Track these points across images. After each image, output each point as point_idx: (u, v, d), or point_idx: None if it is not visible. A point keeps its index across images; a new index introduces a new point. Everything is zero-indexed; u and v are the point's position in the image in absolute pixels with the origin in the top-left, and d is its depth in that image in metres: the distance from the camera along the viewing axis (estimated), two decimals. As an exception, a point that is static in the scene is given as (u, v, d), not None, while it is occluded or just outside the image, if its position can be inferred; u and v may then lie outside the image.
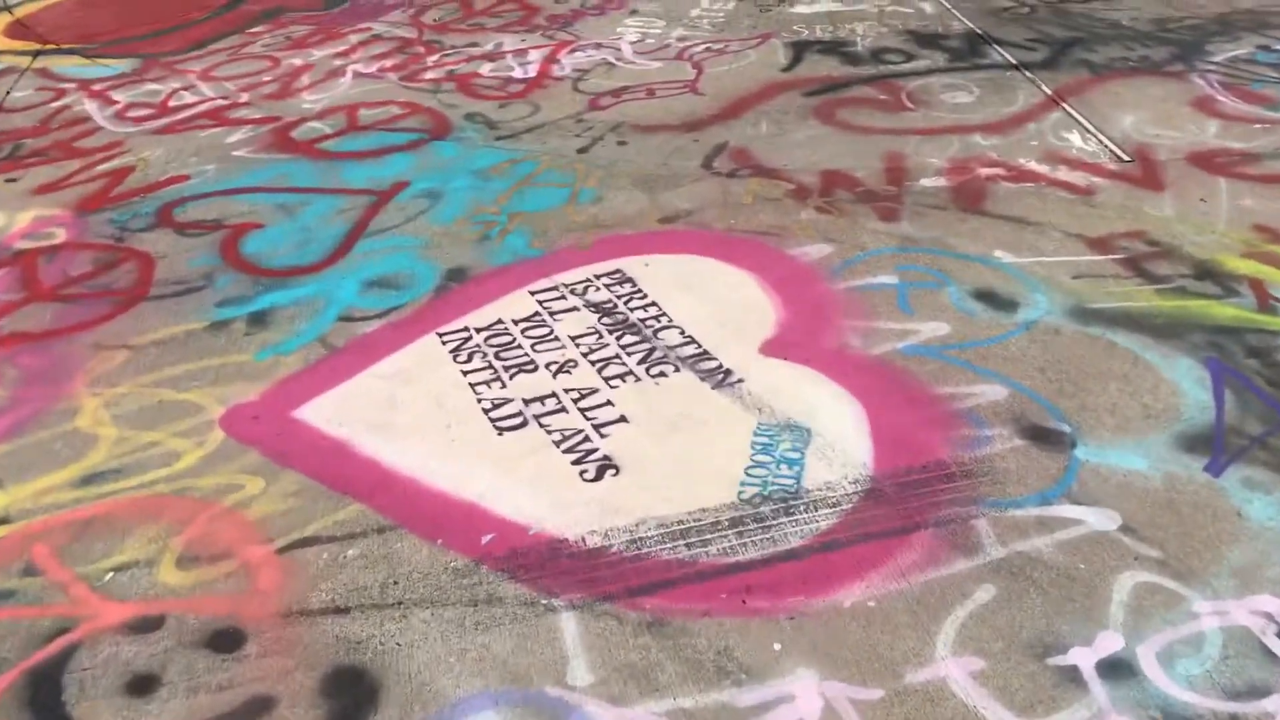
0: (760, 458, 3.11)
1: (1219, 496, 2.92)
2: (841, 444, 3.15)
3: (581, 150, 5.20)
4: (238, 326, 3.83)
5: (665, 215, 4.54)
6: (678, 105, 5.69)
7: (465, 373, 3.54)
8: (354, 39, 6.94)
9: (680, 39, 6.69)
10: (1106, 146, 4.99)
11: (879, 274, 4.01)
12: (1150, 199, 4.52)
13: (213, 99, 6.03)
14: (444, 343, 3.70)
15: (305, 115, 5.73)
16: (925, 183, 4.71)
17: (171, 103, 6.01)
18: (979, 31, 6.57)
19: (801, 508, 2.92)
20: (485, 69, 6.33)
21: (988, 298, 3.83)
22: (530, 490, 3.02)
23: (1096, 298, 3.81)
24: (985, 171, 4.79)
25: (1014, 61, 6.06)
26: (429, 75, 6.26)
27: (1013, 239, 4.22)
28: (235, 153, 5.31)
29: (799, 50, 6.39)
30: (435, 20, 7.27)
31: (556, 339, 3.70)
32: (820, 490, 2.97)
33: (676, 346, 3.63)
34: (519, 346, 3.66)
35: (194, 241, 4.45)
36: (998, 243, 4.20)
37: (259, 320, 3.87)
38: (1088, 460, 3.05)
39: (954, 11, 6.97)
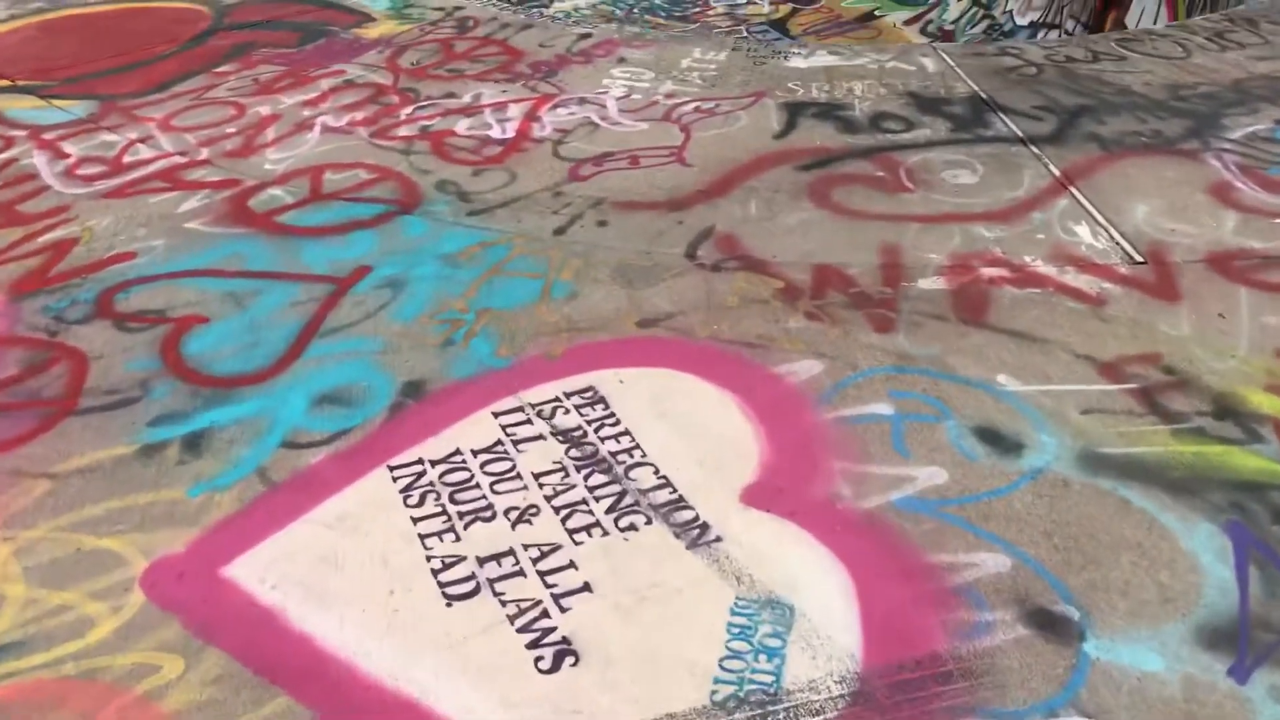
0: (737, 644, 2.82)
1: (1244, 709, 2.64)
2: (828, 628, 2.86)
3: (558, 231, 4.90)
4: (171, 453, 3.53)
5: (644, 317, 4.25)
6: (663, 178, 5.39)
7: (416, 519, 3.24)
8: (325, 84, 6.62)
9: (669, 95, 6.38)
10: (1118, 244, 4.70)
11: (872, 402, 3.72)
12: (1165, 312, 4.24)
13: (170, 154, 5.71)
14: (395, 479, 3.40)
15: (266, 179, 5.41)
16: (924, 284, 4.42)
17: (126, 158, 5.69)
18: (983, 96, 6.28)
19: (781, 715, 2.62)
20: (461, 126, 6.02)
21: (990, 437, 3.54)
22: (478, 682, 2.72)
23: (1108, 439, 3.53)
24: (988, 273, 4.50)
25: (1020, 134, 5.77)
26: (401, 131, 5.95)
27: (1018, 360, 3.93)
28: (188, 224, 4.99)
29: (793, 113, 6.09)
30: (413, 64, 6.95)
31: (518, 476, 3.40)
32: (802, 692, 2.68)
33: (650, 490, 3.33)
34: (476, 486, 3.36)
35: (134, 338, 4.14)
36: (1001, 364, 3.91)
37: (195, 445, 3.56)
38: (1098, 658, 2.76)
39: (958, 70, 6.68)
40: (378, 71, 6.86)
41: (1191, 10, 11.76)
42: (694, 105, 6.24)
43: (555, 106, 6.26)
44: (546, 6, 17.90)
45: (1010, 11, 16.37)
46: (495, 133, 5.94)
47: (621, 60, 6.94)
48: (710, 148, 5.72)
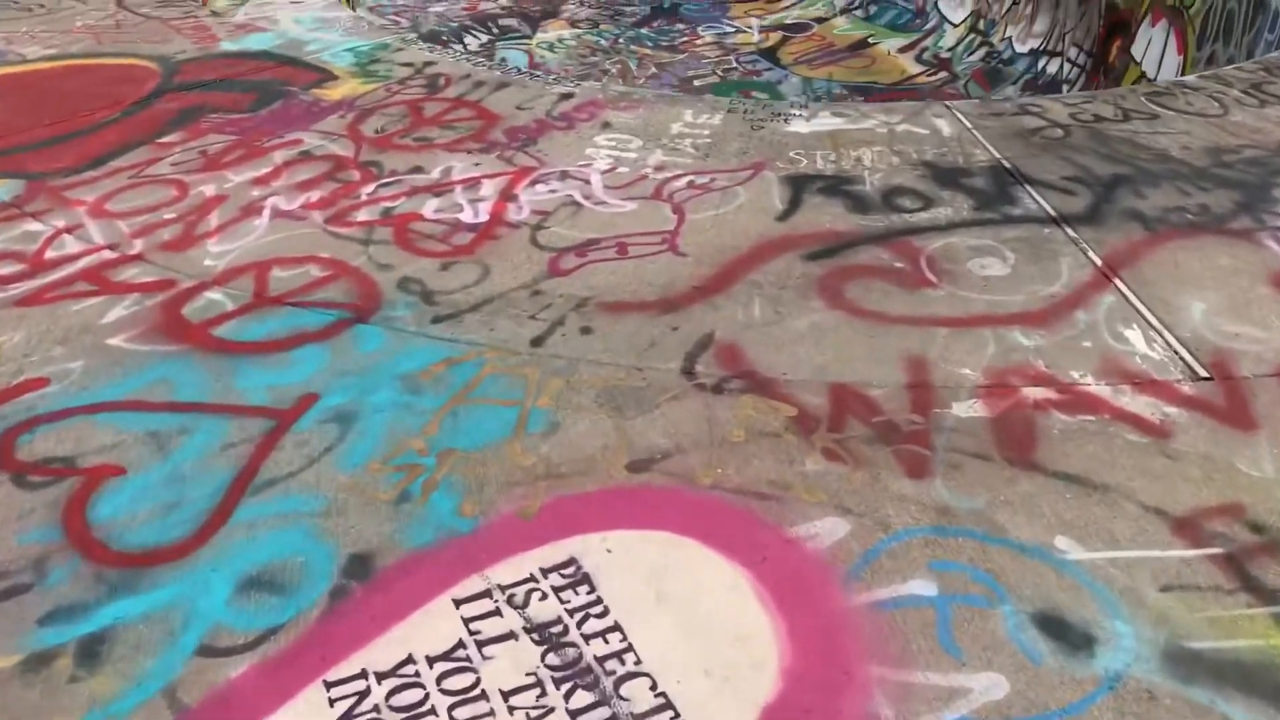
0: None
1: None
2: None
3: (536, 341, 4.31)
4: (62, 665, 2.92)
5: (636, 458, 3.66)
6: (655, 271, 4.81)
7: (357, 763, 2.63)
8: (279, 157, 6.03)
9: (659, 167, 5.80)
10: (1177, 354, 4.12)
11: (911, 577, 3.13)
12: (1241, 445, 3.66)
13: (99, 248, 5.11)
14: (332, 700, 2.80)
15: (205, 277, 4.82)
16: (959, 410, 3.84)
17: (49, 252, 5.10)
18: (1007, 165, 5.71)
19: None
20: (429, 207, 5.44)
21: (1055, 628, 2.95)
22: None
23: (1196, 629, 2.94)
24: (1032, 394, 3.92)
25: (1051, 212, 5.20)
26: (361, 215, 5.37)
27: (1077, 515, 3.35)
28: (112, 339, 4.40)
29: (797, 189, 5.52)
30: (377, 131, 6.37)
31: (484, 696, 2.80)
32: None
33: (646, 716, 2.72)
34: (432, 713, 2.75)
35: (33, 498, 3.54)
36: (1059, 521, 3.33)
37: (93, 652, 2.95)
38: None
39: (975, 134, 6.11)
40: (338, 141, 6.27)
41: (1202, 42, 11.29)
42: (687, 180, 5.66)
43: (534, 183, 5.68)
44: (529, 38, 17.41)
45: (1009, 39, 15.89)
46: (466, 215, 5.35)
47: (606, 125, 6.36)
48: (706, 233, 5.14)
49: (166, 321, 4.51)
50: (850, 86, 15.42)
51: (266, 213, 5.43)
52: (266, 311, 4.58)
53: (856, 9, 18.19)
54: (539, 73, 7.08)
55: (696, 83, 15.42)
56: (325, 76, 7.23)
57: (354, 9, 10.85)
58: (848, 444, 3.70)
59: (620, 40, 17.24)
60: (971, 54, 16.00)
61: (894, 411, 3.87)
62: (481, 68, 7.34)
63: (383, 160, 6.01)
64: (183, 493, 3.55)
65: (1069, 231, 5.05)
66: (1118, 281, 4.64)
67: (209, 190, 5.69)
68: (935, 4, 17.16)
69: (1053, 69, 14.70)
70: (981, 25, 16.22)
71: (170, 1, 9.08)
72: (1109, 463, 3.59)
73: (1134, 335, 4.27)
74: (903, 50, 16.55)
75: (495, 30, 17.41)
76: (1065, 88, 14.23)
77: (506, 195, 5.55)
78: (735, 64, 16.24)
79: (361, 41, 7.87)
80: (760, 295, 4.62)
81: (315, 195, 5.60)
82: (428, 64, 7.42)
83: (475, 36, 17.75)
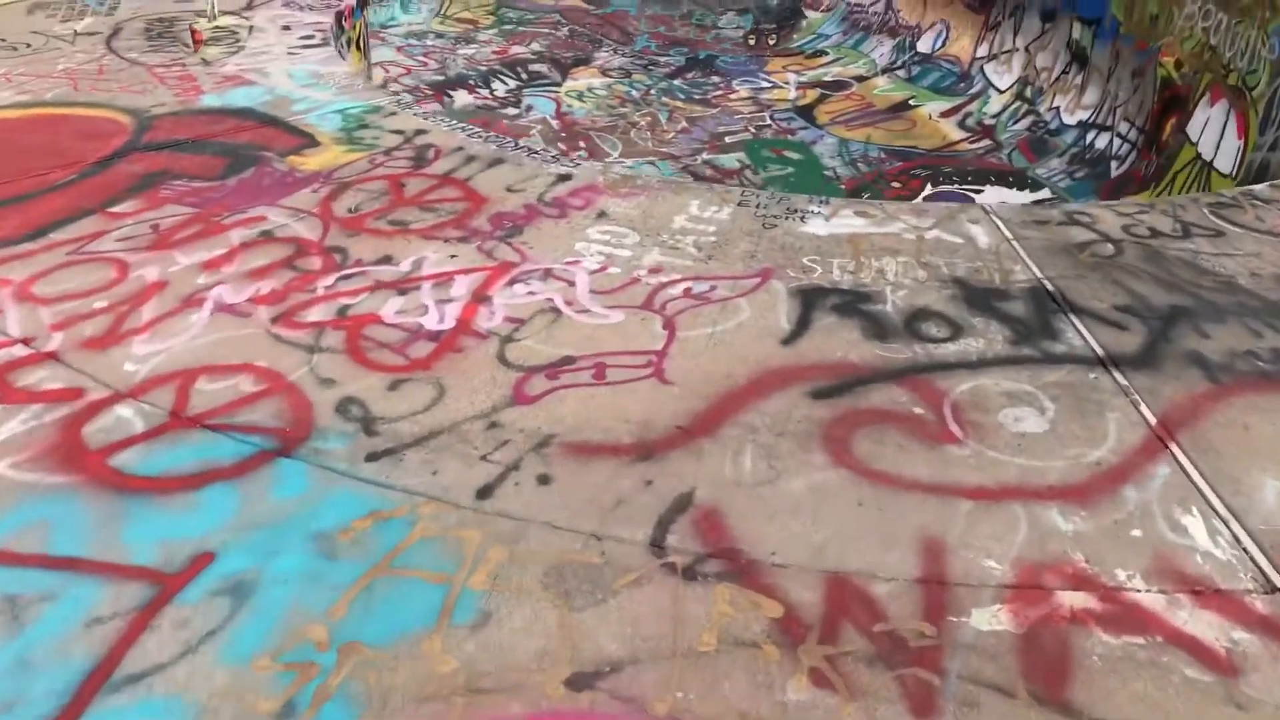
0: None
1: None
2: None
3: (483, 492, 3.70)
4: None
5: (579, 669, 3.02)
6: (634, 402, 4.18)
7: None
8: (236, 237, 5.47)
9: (654, 269, 5.19)
10: (1247, 554, 3.43)
11: None
12: (1330, 694, 2.95)
13: (12, 342, 4.53)
14: None
15: (120, 387, 4.22)
16: (979, 619, 3.18)
17: (-45, 344, 4.52)
18: (1049, 288, 5.04)
19: None
20: (390, 308, 4.85)
21: None
22: None
23: None
24: (1069, 601, 3.26)
25: (1099, 351, 4.53)
26: (313, 314, 4.79)
27: (1121, 791, 2.66)
28: (-6, 463, 3.79)
29: (807, 304, 4.88)
30: (350, 210, 5.80)
31: None
32: None
33: None
34: None
35: None
36: (1097, 798, 2.63)
37: None
38: None
39: (1015, 246, 5.46)
40: (305, 220, 5.70)
41: (1265, 126, 10.62)
42: (684, 286, 5.04)
43: (512, 281, 5.08)
44: (558, 85, 16.97)
45: (1057, 109, 15.27)
46: (430, 320, 4.75)
47: (602, 214, 5.76)
48: (699, 356, 4.50)
49: (62, 445, 3.92)
50: (889, 150, 14.84)
51: (208, 306, 4.86)
52: (180, 436, 3.98)
53: (898, 69, 17.64)
54: (538, 150, 6.51)
55: (728, 139, 14.93)
56: (307, 141, 6.69)
57: (366, 59, 10.36)
58: (842, 664, 3.03)
59: (652, 91, 16.77)
60: (1017, 122, 15.39)
61: (901, 618, 3.20)
62: (476, 139, 6.77)
63: (349, 246, 5.42)
64: (22, 688, 2.93)
65: (1119, 377, 4.37)
66: (1175, 448, 3.96)
67: (151, 274, 5.13)
68: (981, 68, 16.57)
69: (1101, 143, 14.05)
70: (1028, 93, 15.62)
71: (161, 46, 8.61)
72: (1162, 707, 2.90)
73: (1194, 525, 3.59)
74: (945, 115, 15.97)
75: (524, 76, 16.99)
76: (1114, 164, 13.58)
77: (479, 296, 4.95)
78: (769, 121, 15.71)
79: (353, 102, 7.33)
80: (754, 442, 3.97)
81: (266, 286, 5.02)
82: (419, 132, 6.87)
83: (503, 81, 17.30)
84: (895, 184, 13.99)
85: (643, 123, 15.66)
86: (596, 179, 6.21)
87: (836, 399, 4.25)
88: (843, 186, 13.82)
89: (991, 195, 13.24)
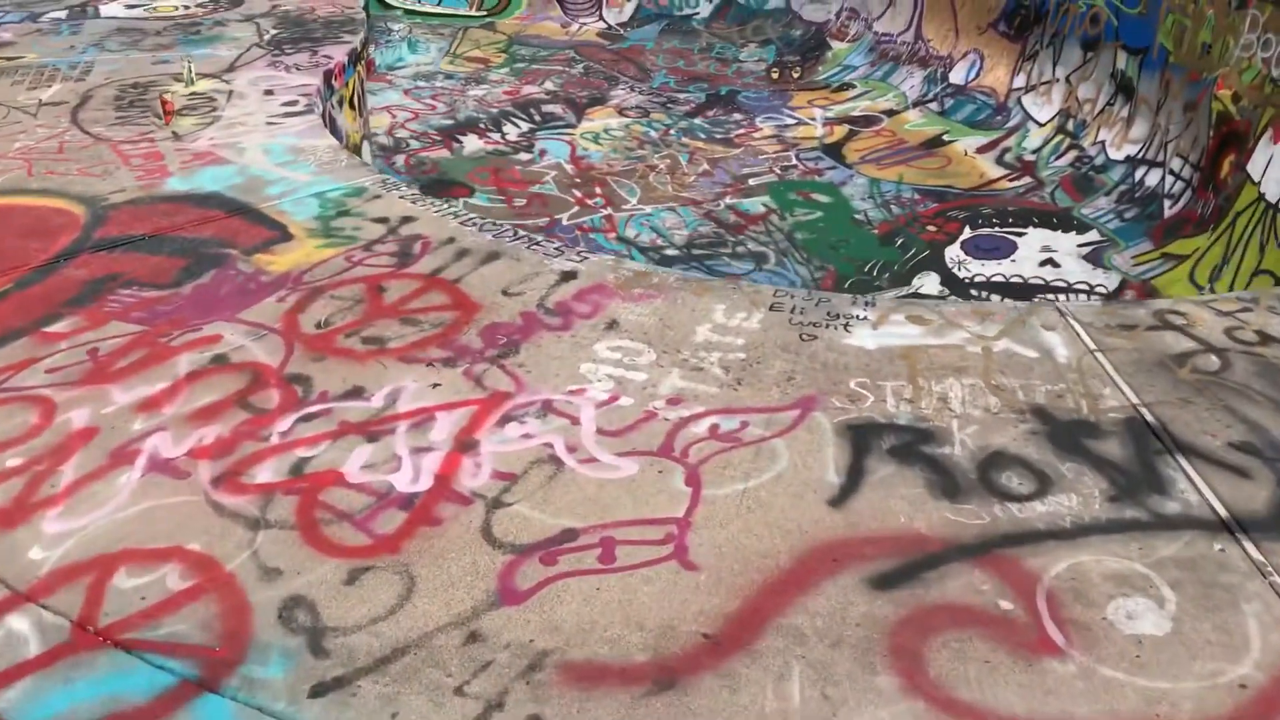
0: None
1: None
2: None
3: (456, 745, 2.87)
4: None
5: None
6: (650, 599, 3.39)
7: None
8: (184, 364, 4.72)
9: (673, 400, 4.39)
10: None
11: None
12: None
13: (-101, 520, 3.77)
14: None
15: (18, 590, 3.46)
16: None
17: None
18: (1148, 419, 4.20)
19: None
20: (355, 461, 4.08)
21: None
22: None
23: None
24: None
25: (1221, 512, 3.69)
26: (262, 474, 4.02)
27: None
28: None
29: (859, 447, 4.08)
30: (320, 325, 5.04)
31: None
32: None
33: None
34: None
35: None
36: None
37: None
38: None
39: (1100, 360, 4.62)
40: (265, 339, 4.93)
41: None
42: (709, 423, 4.24)
43: (505, 419, 4.29)
44: (573, 127, 16.26)
45: (1102, 143, 14.42)
46: (403, 479, 3.98)
47: (613, 325, 4.97)
48: (729, 525, 3.70)
49: (-70, 680, 3.13)
50: (923, 190, 14.03)
51: (141, 462, 4.09)
52: (82, 662, 3.20)
53: (930, 102, 16.84)
54: (540, 238, 5.75)
55: (752, 181, 14.18)
56: (277, 235, 5.94)
57: (362, 117, 9.65)
58: None
59: (671, 131, 16.07)
60: (1059, 157, 14.57)
61: None
62: (470, 228, 5.99)
63: (314, 374, 4.65)
64: None
65: (1250, 549, 3.53)
66: (1340, 659, 3.10)
67: (79, 418, 4.37)
68: (1018, 100, 15.76)
69: (1152, 181, 13.19)
70: (1070, 126, 14.79)
71: (130, 118, 7.90)
72: None
73: (1387, 789, 2.73)
74: (981, 150, 15.17)
75: (537, 118, 16.33)
76: (1167, 203, 12.73)
77: (464, 442, 4.16)
78: (795, 160, 14.95)
79: (334, 184, 6.58)
80: (802, 660, 3.16)
81: (212, 433, 4.25)
82: (406, 220, 6.09)
83: (515, 124, 16.61)
84: (931, 227, 13.18)
85: (662, 165, 14.94)
86: (605, 276, 5.42)
87: (903, 588, 3.43)
88: (875, 231, 13.03)
89: (1034, 238, 12.40)
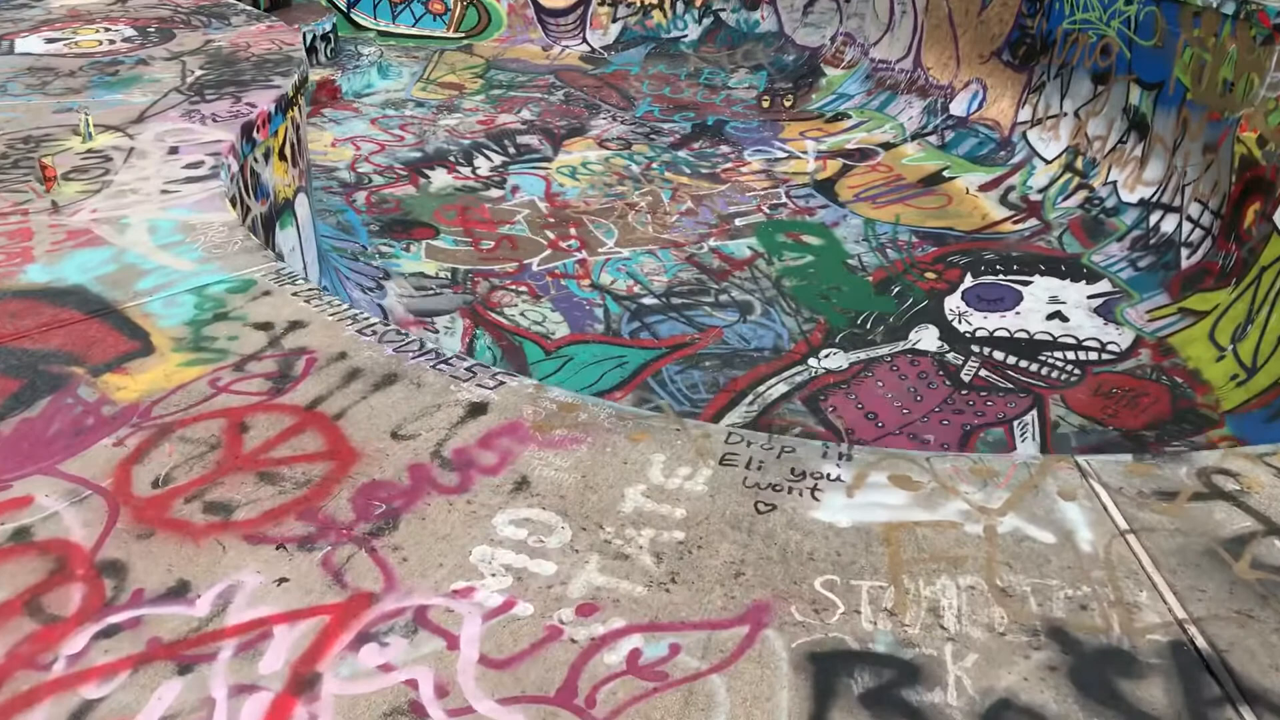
0: None
1: None
2: None
3: None
4: None
5: None
6: None
7: None
8: (-26, 544, 3.71)
9: (584, 607, 3.38)
10: None
11: None
12: None
13: None
14: None
15: None
16: None
17: None
18: (1199, 647, 3.20)
19: None
20: (155, 708, 3.06)
21: None
22: None
23: None
24: None
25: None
26: (29, 728, 3.00)
27: None
28: None
29: (822, 688, 3.10)
30: (155, 483, 4.05)
31: None
32: None
33: None
34: None
35: None
36: None
37: None
38: None
39: (1134, 547, 3.63)
40: (86, 502, 3.93)
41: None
42: (630, 647, 3.23)
43: (362, 638, 3.29)
44: (549, 160, 15.31)
45: (1114, 184, 13.49)
46: (214, 741, 2.96)
47: (522, 485, 3.97)
48: (638, 834, 2.69)
49: None
50: (921, 233, 13.11)
51: (-128, 707, 3.08)
52: None
53: (930, 134, 15.93)
54: (452, 357, 4.75)
55: (738, 221, 13.31)
56: (137, 347, 4.94)
57: (297, 167, 8.68)
58: None
59: (654, 165, 15.19)
60: (1066, 198, 13.65)
61: None
62: (369, 337, 4.99)
63: (135, 560, 3.65)
64: None
65: None
66: None
67: None
68: (1023, 134, 14.84)
69: (1168, 227, 12.25)
70: (1079, 164, 13.87)
71: (9, 182, 6.90)
72: None
73: None
74: (984, 188, 14.27)
75: (512, 150, 15.44)
76: (1185, 252, 11.79)
77: (301, 679, 3.16)
78: (785, 198, 14.05)
79: (218, 275, 5.59)
80: None
81: (-22, 659, 3.24)
82: (293, 326, 5.09)
83: (487, 157, 15.67)
84: (930, 274, 12.29)
85: (642, 204, 14.05)
86: (523, 411, 4.41)
87: None
88: (870, 279, 12.11)
89: (1041, 287, 11.49)
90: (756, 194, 14.32)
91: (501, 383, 4.62)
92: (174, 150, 7.20)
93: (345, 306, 5.22)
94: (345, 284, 10.89)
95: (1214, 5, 11.19)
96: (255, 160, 7.51)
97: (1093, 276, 11.73)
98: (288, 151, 8.02)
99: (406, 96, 17.25)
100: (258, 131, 7.60)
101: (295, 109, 8.36)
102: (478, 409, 4.44)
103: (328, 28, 18.04)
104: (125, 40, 10.30)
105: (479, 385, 4.61)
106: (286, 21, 14.12)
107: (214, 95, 8.29)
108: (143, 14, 12.99)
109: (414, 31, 20.55)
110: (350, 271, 11.42)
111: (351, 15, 20.23)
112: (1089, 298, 11.49)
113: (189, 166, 6.94)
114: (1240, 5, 10.82)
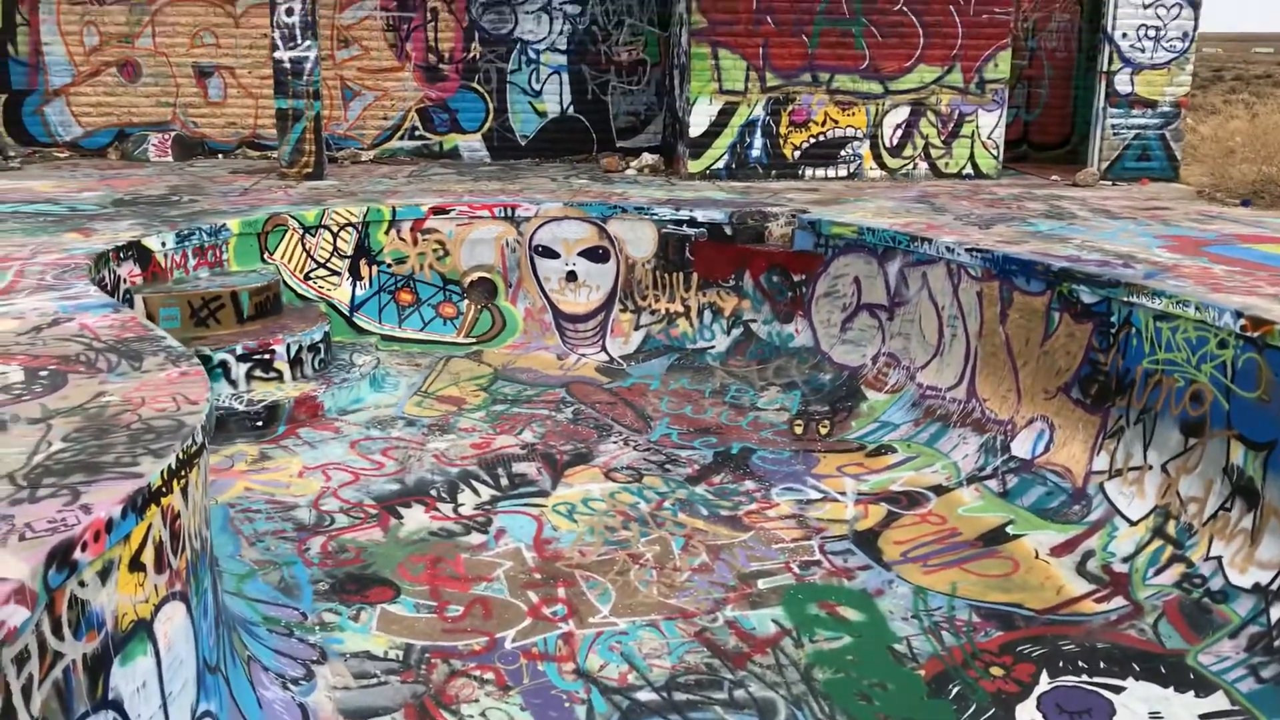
0: None
1: None
2: None
3: None
4: None
5: None
6: None
7: None
8: None
9: None
10: None
11: None
12: None
13: None
14: None
15: None
16: None
17: None
18: None
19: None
20: None
21: None
22: None
23: None
24: None
25: None
26: None
27: None
28: None
29: None
30: None
31: None
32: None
33: None
34: None
35: None
36: None
37: None
38: None
39: None
40: None
41: None
42: None
43: None
44: (546, 495, 13.36)
45: (1218, 560, 11.22)
46: None
47: None
48: None
49: None
50: (984, 611, 10.76)
51: None
52: None
53: (989, 478, 13.97)
54: None
55: (761, 582, 11.16)
56: None
57: (169, 568, 6.63)
58: None
59: (666, 503, 13.24)
60: (1159, 571, 11.35)
61: None
62: None
63: None
64: None
65: None
66: None
67: None
68: (1101, 486, 12.77)
69: (1301, 625, 9.81)
70: (1171, 529, 11.69)
71: None
72: None
73: None
74: (1056, 551, 12.10)
75: (505, 482, 13.62)
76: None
77: None
78: (819, 554, 11.87)
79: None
80: None
81: None
82: None
83: (475, 491, 13.82)
84: (995, 669, 9.90)
85: (649, 555, 11.99)
86: None
87: None
88: (921, 673, 9.71)
89: (1137, 695, 9.08)
90: (785, 547, 12.24)
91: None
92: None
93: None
94: (258, 683, 8.79)
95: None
96: (82, 584, 5.12)
97: (1202, 685, 9.34)
98: (147, 558, 5.55)
99: (397, 414, 15.64)
100: (86, 548, 5.14)
101: (172, 495, 5.97)
102: None
103: (317, 337, 16.46)
104: (4, 390, 8.23)
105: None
106: (276, 329, 12.62)
107: (48, 490, 5.36)
108: (50, 348, 11.14)
109: (421, 336, 19.39)
110: (273, 657, 9.34)
111: (354, 319, 19.11)
112: (1201, 717, 9.08)
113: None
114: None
